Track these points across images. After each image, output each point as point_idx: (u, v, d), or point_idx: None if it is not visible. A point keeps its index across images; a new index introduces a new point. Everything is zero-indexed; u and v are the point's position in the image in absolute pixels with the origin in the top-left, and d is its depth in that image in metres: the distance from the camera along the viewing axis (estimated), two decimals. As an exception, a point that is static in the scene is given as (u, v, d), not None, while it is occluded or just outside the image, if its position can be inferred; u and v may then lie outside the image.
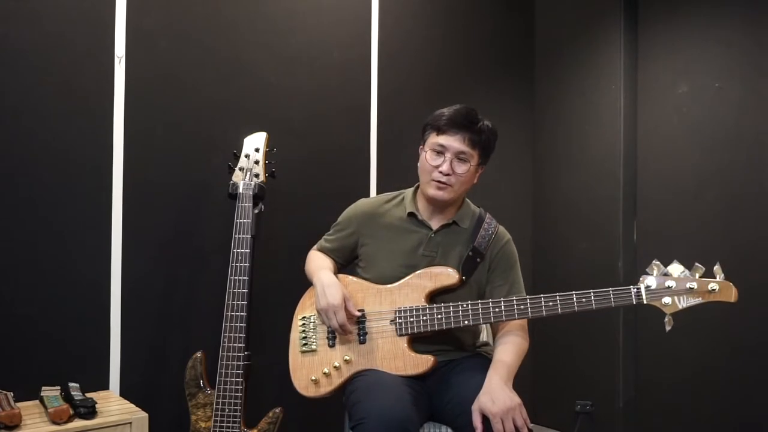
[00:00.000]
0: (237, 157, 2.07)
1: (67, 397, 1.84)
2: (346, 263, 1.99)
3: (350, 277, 1.90)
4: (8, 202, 1.93)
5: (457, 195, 1.84)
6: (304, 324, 1.88)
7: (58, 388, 1.89)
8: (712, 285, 1.63)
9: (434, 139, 1.81)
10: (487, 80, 3.20)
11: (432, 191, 1.82)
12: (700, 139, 2.82)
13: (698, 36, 2.84)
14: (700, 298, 1.65)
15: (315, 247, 2.05)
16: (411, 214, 1.89)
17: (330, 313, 1.77)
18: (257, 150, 2.06)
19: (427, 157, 1.82)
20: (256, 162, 2.05)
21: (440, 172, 1.79)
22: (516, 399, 1.59)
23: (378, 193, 2.68)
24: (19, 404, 1.80)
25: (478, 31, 3.18)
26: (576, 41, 3.25)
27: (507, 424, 1.55)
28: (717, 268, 1.64)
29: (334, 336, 1.83)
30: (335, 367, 1.80)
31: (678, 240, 2.85)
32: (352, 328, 1.78)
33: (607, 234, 3.05)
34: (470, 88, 3.12)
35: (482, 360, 1.82)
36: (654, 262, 1.68)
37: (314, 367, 1.82)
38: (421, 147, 1.88)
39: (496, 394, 1.58)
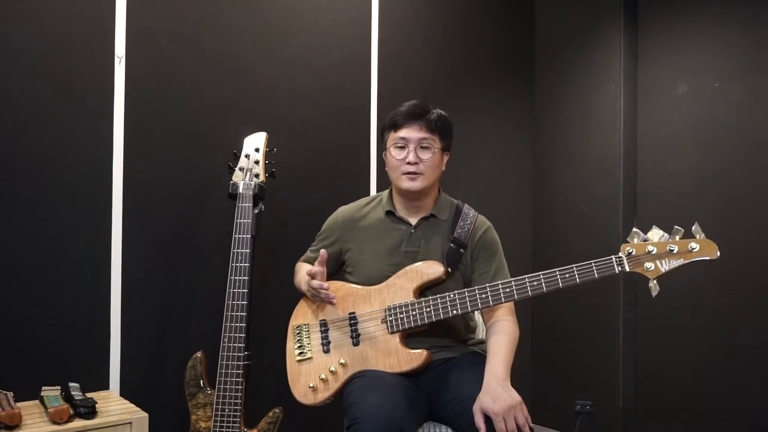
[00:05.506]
0: (237, 157, 2.07)
1: (67, 397, 1.84)
2: (333, 272, 1.99)
3: (339, 282, 1.92)
4: (8, 202, 1.93)
5: (430, 183, 1.87)
6: (298, 333, 1.89)
7: (59, 388, 1.89)
8: (692, 244, 1.61)
9: (394, 136, 1.87)
10: (487, 80, 3.20)
11: (405, 184, 1.85)
12: (700, 139, 2.82)
13: (698, 36, 2.84)
14: (682, 259, 1.62)
15: (301, 258, 2.08)
16: (389, 213, 1.92)
17: (312, 290, 1.82)
18: (257, 150, 2.06)
19: (392, 154, 1.87)
20: (256, 162, 2.05)
21: (408, 163, 1.83)
22: (516, 397, 1.59)
23: (378, 192, 2.68)
24: (19, 404, 1.80)
25: (478, 31, 3.18)
26: (576, 41, 3.25)
27: (509, 423, 1.55)
28: (695, 227, 1.62)
29: (328, 341, 1.84)
30: (331, 371, 1.80)
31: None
32: (326, 288, 1.79)
33: (607, 234, 3.05)
34: (470, 88, 3.12)
35: (479, 358, 1.82)
36: (633, 230, 1.66)
37: (311, 375, 1.83)
38: (384, 151, 1.93)
39: (497, 393, 1.59)
